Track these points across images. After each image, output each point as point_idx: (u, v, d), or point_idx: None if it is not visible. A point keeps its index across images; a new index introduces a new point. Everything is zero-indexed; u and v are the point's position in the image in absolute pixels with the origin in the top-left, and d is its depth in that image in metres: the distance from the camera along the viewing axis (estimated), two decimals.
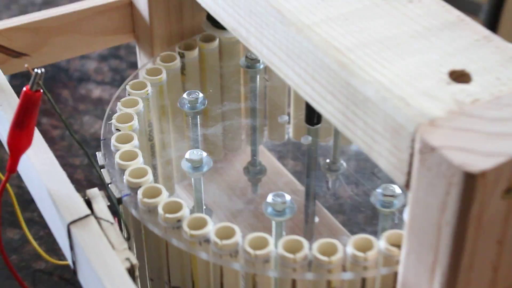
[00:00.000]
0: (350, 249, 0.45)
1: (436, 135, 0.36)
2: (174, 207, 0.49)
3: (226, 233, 0.47)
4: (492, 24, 1.29)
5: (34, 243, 0.70)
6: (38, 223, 0.72)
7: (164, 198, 0.50)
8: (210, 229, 0.47)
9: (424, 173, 0.37)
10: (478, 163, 0.34)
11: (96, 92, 0.91)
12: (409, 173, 0.38)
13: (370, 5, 0.45)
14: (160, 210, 0.49)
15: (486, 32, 0.43)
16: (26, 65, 0.65)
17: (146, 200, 0.50)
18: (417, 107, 0.38)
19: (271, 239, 0.47)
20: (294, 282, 0.47)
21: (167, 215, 0.48)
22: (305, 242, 0.46)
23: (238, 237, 0.47)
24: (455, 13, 0.44)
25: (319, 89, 0.44)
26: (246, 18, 0.49)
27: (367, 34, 0.43)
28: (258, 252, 0.46)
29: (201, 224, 0.48)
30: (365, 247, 0.46)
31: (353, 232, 0.65)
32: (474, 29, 0.43)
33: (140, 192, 0.50)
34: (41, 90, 0.48)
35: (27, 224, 0.71)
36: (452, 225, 0.36)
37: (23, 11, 1.02)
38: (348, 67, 0.41)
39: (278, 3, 0.45)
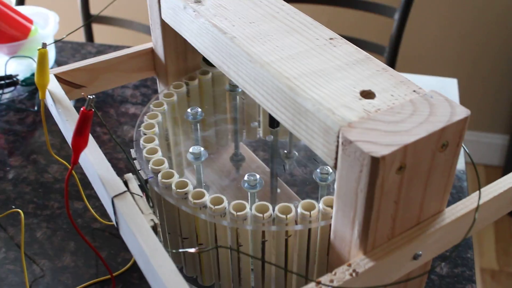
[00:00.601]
0: (300, 210, 0.46)
1: (352, 133, 0.36)
2: (183, 185, 0.49)
3: (217, 201, 0.47)
4: (392, 60, 1.30)
5: (92, 211, 0.69)
6: (95, 197, 0.72)
7: (175, 179, 0.50)
8: (207, 199, 0.47)
9: (345, 158, 0.37)
10: (380, 151, 0.34)
11: (132, 109, 0.90)
12: (336, 158, 0.38)
13: (308, 49, 0.45)
14: (173, 187, 0.49)
15: (383, 65, 0.43)
16: (82, 94, 0.65)
17: (164, 180, 0.50)
18: (340, 115, 0.38)
19: (247, 205, 0.47)
20: (263, 232, 0.47)
21: (178, 190, 0.48)
22: (270, 206, 0.46)
23: (225, 204, 0.47)
24: (363, 53, 0.45)
25: (276, 105, 0.44)
26: (227, 59, 0.49)
27: (307, 68, 0.43)
28: (239, 213, 0.46)
29: (201, 195, 0.48)
30: (310, 208, 0.46)
31: (302, 198, 0.65)
32: (376, 63, 0.44)
33: (160, 175, 0.50)
34: (93, 110, 0.48)
35: (87, 198, 0.71)
36: (364, 192, 0.36)
37: (84, 58, 1.02)
38: (294, 90, 0.41)
39: (247, 49, 0.46)
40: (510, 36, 1.67)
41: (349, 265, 0.39)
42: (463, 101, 0.75)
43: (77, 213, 0.71)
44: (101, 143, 0.82)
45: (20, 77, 0.93)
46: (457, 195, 0.71)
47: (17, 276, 0.63)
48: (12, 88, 0.92)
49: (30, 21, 0.95)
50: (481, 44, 1.70)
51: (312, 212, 0.45)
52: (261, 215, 0.45)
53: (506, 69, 1.73)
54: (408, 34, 1.66)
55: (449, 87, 0.94)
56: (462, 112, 0.38)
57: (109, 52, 0.69)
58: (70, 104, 0.58)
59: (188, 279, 0.58)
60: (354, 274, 0.38)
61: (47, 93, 0.60)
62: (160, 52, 0.65)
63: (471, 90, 1.78)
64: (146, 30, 1.46)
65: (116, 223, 0.49)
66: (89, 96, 0.47)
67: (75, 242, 0.67)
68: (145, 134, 0.55)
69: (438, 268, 0.62)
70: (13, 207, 0.72)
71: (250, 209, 0.46)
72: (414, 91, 0.40)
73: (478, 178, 0.42)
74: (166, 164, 0.51)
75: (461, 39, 1.71)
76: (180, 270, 0.59)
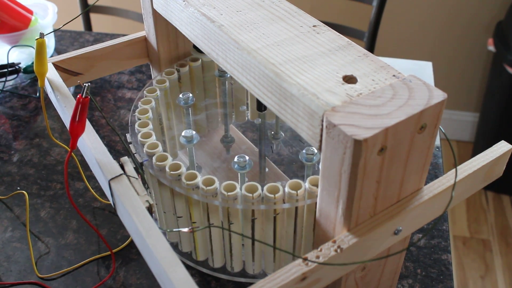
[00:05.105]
0: (287, 189, 0.45)
1: (336, 117, 0.35)
2: (176, 167, 0.48)
3: (209, 182, 0.46)
4: (371, 44, 1.28)
5: (92, 191, 0.68)
6: (94, 178, 0.70)
7: (169, 161, 0.48)
8: (199, 180, 0.46)
9: (329, 141, 0.36)
10: (362, 134, 0.33)
11: (128, 94, 0.88)
12: (320, 141, 0.37)
13: (293, 36, 0.44)
14: (167, 169, 0.47)
15: (365, 51, 0.42)
16: (78, 81, 0.63)
17: (158, 163, 0.48)
18: (324, 100, 0.37)
19: (237, 185, 0.46)
20: (253, 211, 0.47)
21: (172, 172, 0.47)
22: (259, 186, 0.45)
23: (216, 184, 0.46)
24: (345, 39, 0.43)
25: (263, 90, 0.42)
26: (215, 46, 0.47)
27: (292, 54, 0.42)
28: (230, 193, 0.45)
29: (193, 177, 0.47)
30: (296, 187, 0.45)
31: (289, 177, 0.64)
32: (357, 49, 0.42)
33: (154, 158, 0.49)
34: (89, 97, 0.46)
35: (88, 179, 0.69)
36: (347, 172, 0.35)
37: (82, 46, 0.99)
38: (280, 75, 0.40)
39: (235, 37, 0.44)
40: (478, 22, 1.66)
41: (334, 242, 0.38)
42: (437, 82, 0.73)
43: (79, 193, 0.69)
44: (99, 127, 0.80)
45: (22, 65, 0.90)
46: (433, 172, 0.70)
47: (23, 253, 0.62)
48: (15, 76, 0.90)
49: (30, 12, 0.93)
50: (453, 29, 1.69)
51: (298, 191, 0.44)
52: (250, 194, 0.44)
53: (477, 52, 1.72)
54: (386, 20, 1.64)
55: (424, 69, 0.93)
56: (439, 96, 0.37)
57: (106, 40, 0.67)
58: (67, 91, 0.56)
59: (183, 254, 0.57)
60: (338, 250, 0.37)
61: (46, 81, 0.58)
62: (152, 40, 0.63)
63: (444, 72, 1.77)
64: (141, 18, 1.43)
65: (113, 204, 0.48)
66: (84, 84, 0.45)
67: (77, 220, 0.65)
68: (139, 119, 0.54)
69: (416, 240, 0.62)
70: (18, 188, 0.70)
71: (240, 189, 0.45)
72: (394, 75, 0.39)
73: (455, 157, 0.41)
74: (160, 148, 0.50)
75: (434, 25, 1.69)
76: (176, 246, 0.58)
